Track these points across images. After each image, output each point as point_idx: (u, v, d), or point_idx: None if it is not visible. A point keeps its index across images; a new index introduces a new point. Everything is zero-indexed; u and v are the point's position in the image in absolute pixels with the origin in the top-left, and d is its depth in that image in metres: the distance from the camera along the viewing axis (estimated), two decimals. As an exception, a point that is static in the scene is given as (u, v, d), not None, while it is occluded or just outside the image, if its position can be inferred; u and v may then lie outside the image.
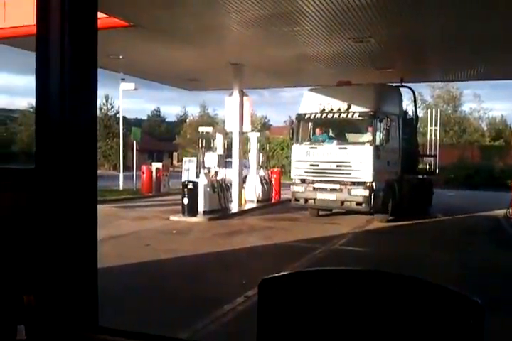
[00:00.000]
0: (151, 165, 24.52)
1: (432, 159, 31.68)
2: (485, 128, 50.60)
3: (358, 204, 13.97)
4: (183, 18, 11.61)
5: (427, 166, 20.12)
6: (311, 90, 16.00)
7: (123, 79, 24.15)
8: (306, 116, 15.38)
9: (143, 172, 22.75)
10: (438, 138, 34.47)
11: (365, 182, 14.00)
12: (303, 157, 15.01)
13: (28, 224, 1.54)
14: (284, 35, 12.63)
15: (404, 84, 17.82)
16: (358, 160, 14.07)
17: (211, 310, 6.23)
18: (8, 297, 1.43)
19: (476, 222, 15.58)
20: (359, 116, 14.48)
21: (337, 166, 14.38)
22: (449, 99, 48.33)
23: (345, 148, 14.43)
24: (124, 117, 31.20)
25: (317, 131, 15.64)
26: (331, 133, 15.87)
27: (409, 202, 15.37)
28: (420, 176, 18.09)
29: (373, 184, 13.92)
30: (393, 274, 1.51)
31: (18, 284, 1.47)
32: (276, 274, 1.59)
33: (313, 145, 15.07)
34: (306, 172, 14.90)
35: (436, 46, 14.03)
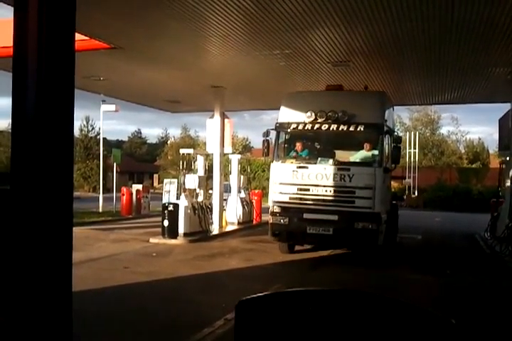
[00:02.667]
0: (131, 186, 24.37)
1: (411, 181, 31.84)
2: (463, 151, 51.52)
3: (363, 240, 10.97)
4: (163, 41, 11.72)
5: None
6: (291, 95, 12.88)
7: (104, 101, 24.16)
8: (292, 126, 12.06)
9: (123, 194, 22.56)
10: (417, 160, 35.20)
11: (372, 214, 11.10)
12: (288, 179, 11.71)
13: (1, 245, 1.53)
14: (264, 58, 12.82)
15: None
16: (363, 185, 11.14)
17: (190, 334, 6.13)
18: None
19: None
20: (364, 128, 11.47)
21: (335, 192, 11.37)
22: (427, 122, 49.24)
23: (348, 170, 11.38)
24: (104, 139, 31.11)
25: (302, 145, 12.44)
26: (322, 149, 12.73)
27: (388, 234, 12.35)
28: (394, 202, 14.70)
29: (381, 215, 11.26)
30: (369, 294, 1.53)
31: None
32: (253, 295, 1.60)
33: (302, 164, 11.81)
34: (292, 198, 11.70)
35: (413, 71, 14.35)
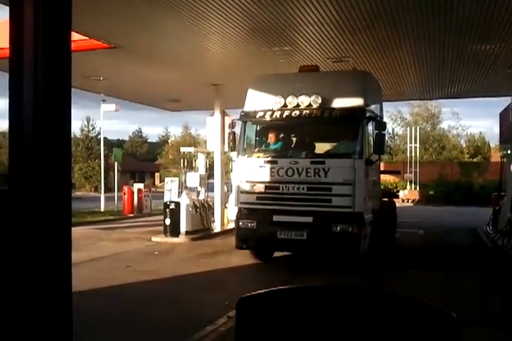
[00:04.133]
0: (132, 185, 24.41)
1: (412, 176, 31.75)
2: (464, 145, 51.51)
3: (342, 246, 9.38)
4: (162, 40, 11.71)
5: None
6: (261, 78, 11.00)
7: (104, 101, 24.17)
8: (258, 115, 10.31)
9: (124, 193, 22.60)
10: (418, 155, 35.19)
11: (352, 214, 9.49)
12: (254, 176, 10.09)
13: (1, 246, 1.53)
14: (263, 55, 12.80)
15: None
16: (341, 181, 9.47)
17: (193, 331, 6.14)
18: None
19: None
20: (341, 114, 9.75)
21: (309, 189, 9.69)
22: (428, 116, 49.20)
23: (322, 163, 9.66)
24: (105, 138, 31.15)
25: (271, 136, 10.73)
26: (294, 140, 11.12)
27: (380, 239, 10.81)
28: (385, 199, 13.11)
29: (364, 216, 9.65)
30: (371, 290, 1.53)
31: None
32: (254, 292, 1.60)
33: (270, 159, 10.11)
34: (259, 198, 10.06)
35: (413, 66, 14.32)
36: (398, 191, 16.99)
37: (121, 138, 71.93)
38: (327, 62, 13.59)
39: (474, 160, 45.41)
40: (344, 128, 10.25)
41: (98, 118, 30.47)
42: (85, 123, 54.99)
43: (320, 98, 9.82)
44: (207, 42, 11.91)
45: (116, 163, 25.01)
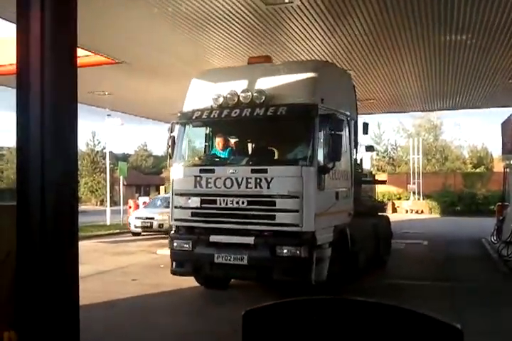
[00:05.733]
0: (138, 199, 24.43)
1: (416, 187, 31.68)
2: (466, 156, 51.44)
3: (288, 272, 7.65)
4: (166, 55, 11.82)
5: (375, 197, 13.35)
6: (202, 74, 9.50)
7: (109, 115, 24.35)
8: (194, 116, 8.73)
9: (130, 207, 22.64)
10: (421, 166, 35.15)
11: (300, 233, 7.72)
12: (189, 187, 8.45)
13: (10, 259, 1.55)
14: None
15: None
16: (286, 193, 7.74)
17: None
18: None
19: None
20: (288, 112, 7.94)
21: (250, 204, 7.98)
22: (430, 128, 49.25)
23: (265, 171, 7.95)
24: (110, 152, 31.27)
25: (209, 141, 9.52)
26: (234, 145, 9.46)
27: (365, 258, 9.73)
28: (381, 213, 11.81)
29: (316, 236, 7.73)
30: (375, 303, 1.54)
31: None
32: (259, 305, 1.61)
33: (206, 167, 8.53)
34: (194, 214, 8.43)
35: (414, 78, 14.38)
36: (383, 204, 13.87)
37: (126, 152, 72.22)
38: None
39: (477, 170, 45.28)
40: (292, 129, 8.59)
41: (103, 133, 30.62)
42: (91, 137, 55.31)
43: (264, 93, 8.13)
44: (209, 57, 12.01)
45: (121, 177, 25.10)
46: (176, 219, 8.68)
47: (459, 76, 13.89)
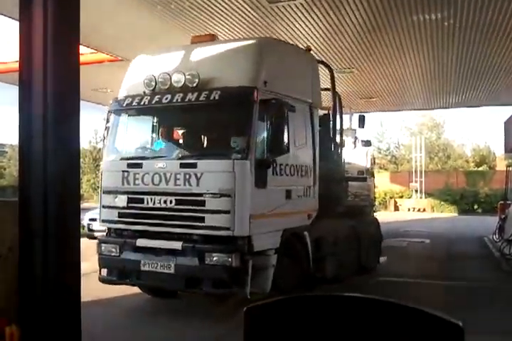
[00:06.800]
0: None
1: (418, 185, 31.61)
2: (469, 155, 51.33)
3: (219, 284, 6.61)
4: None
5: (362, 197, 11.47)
6: (141, 57, 8.35)
7: (111, 112, 24.32)
8: (125, 103, 7.66)
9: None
10: (423, 164, 35.09)
11: (233, 238, 6.62)
12: (116, 184, 7.42)
13: (12, 254, 1.56)
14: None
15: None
16: (216, 191, 6.63)
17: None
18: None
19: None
20: (222, 96, 6.80)
21: (178, 203, 6.92)
22: (433, 126, 49.17)
23: (194, 166, 6.87)
24: (112, 149, 31.05)
25: (140, 130, 8.41)
26: (166, 135, 8.03)
27: (338, 265, 8.60)
28: (372, 216, 11.01)
29: (252, 241, 6.63)
30: (375, 299, 1.54)
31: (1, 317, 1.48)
32: (260, 302, 1.62)
33: (133, 161, 7.46)
34: (121, 214, 7.37)
35: (417, 77, 14.36)
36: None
37: (127, 149, 72.12)
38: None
39: (480, 169, 45.20)
40: (228, 117, 7.32)
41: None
42: (93, 135, 55.22)
43: (197, 76, 6.99)
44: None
45: (122, 174, 25.07)
46: (103, 220, 7.66)
47: (461, 74, 13.86)
